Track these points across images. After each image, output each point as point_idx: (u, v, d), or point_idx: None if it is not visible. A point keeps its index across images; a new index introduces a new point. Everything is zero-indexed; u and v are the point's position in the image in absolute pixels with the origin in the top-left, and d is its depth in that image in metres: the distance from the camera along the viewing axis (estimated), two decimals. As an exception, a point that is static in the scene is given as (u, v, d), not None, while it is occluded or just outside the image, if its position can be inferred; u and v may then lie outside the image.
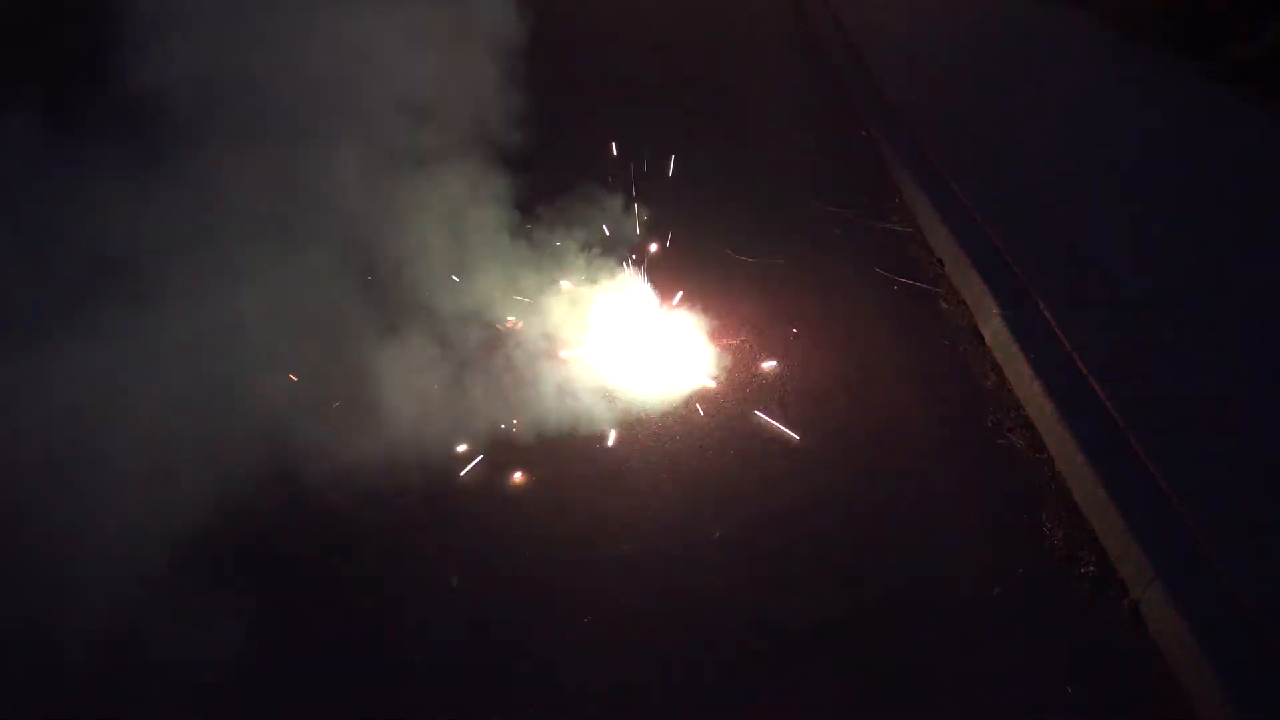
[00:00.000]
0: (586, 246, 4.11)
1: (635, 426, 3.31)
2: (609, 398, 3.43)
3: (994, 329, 3.68)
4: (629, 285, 3.92)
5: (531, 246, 4.06)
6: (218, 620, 2.52)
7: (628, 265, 3.99)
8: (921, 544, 2.85)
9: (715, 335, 3.80)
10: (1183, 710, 2.36)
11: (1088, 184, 4.66)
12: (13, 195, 3.86)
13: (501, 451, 3.18)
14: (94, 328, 3.28)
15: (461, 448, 3.18)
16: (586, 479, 3.08)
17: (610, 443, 3.23)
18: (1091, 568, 2.75)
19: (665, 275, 4.02)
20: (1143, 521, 2.70)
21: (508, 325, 3.76)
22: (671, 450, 3.20)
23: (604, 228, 4.27)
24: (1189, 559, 2.59)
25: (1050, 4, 7.57)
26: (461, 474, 3.09)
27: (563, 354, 3.62)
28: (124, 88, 3.59)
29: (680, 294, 3.96)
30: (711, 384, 3.52)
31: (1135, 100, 5.68)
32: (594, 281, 3.94)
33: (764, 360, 3.66)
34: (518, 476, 3.09)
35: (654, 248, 4.26)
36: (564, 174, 4.55)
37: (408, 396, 3.31)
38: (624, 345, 3.67)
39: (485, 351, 3.61)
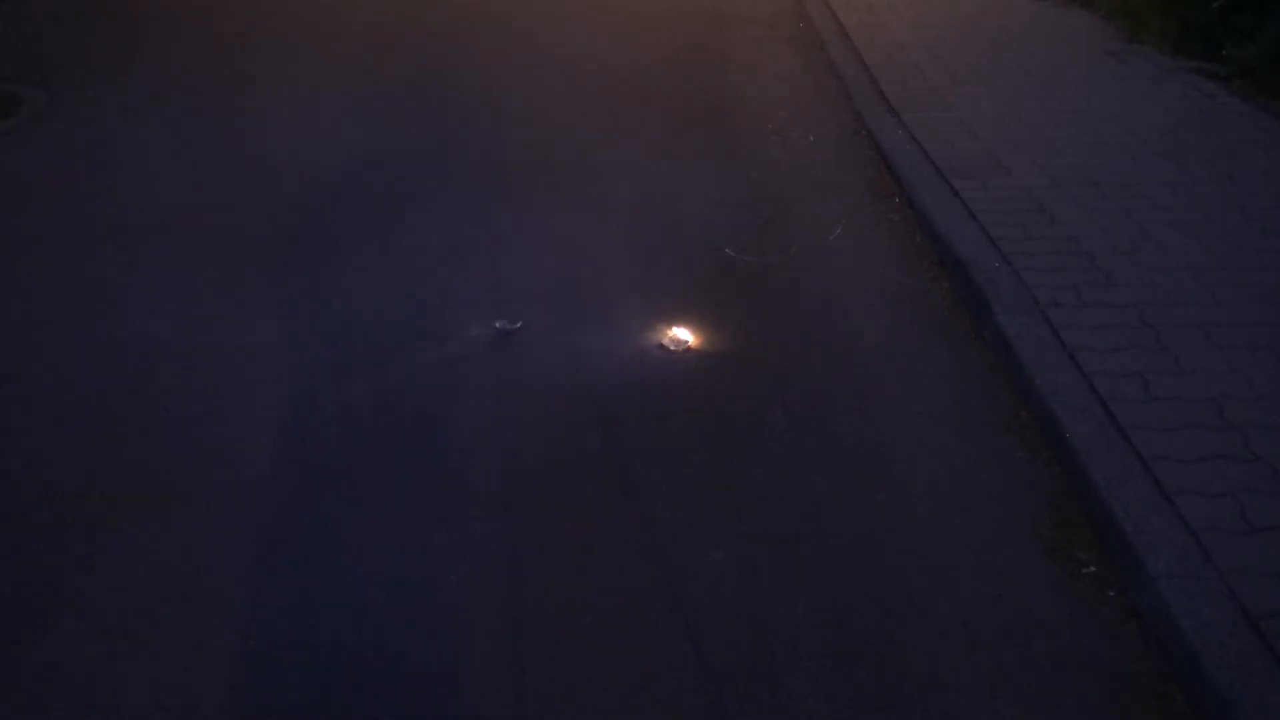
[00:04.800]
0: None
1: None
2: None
3: (994, 329, 3.68)
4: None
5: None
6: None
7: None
8: (919, 548, 2.85)
9: (711, 335, 3.79)
10: (1183, 712, 2.36)
11: (1088, 183, 4.66)
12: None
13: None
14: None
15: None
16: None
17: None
18: (1092, 568, 2.75)
19: (663, 274, 4.02)
20: (1143, 521, 2.70)
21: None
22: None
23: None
24: (1189, 559, 2.59)
25: (1050, 3, 7.57)
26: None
27: None
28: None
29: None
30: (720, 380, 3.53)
31: (1135, 100, 5.68)
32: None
33: (759, 359, 3.65)
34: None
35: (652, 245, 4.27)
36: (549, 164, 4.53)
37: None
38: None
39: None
